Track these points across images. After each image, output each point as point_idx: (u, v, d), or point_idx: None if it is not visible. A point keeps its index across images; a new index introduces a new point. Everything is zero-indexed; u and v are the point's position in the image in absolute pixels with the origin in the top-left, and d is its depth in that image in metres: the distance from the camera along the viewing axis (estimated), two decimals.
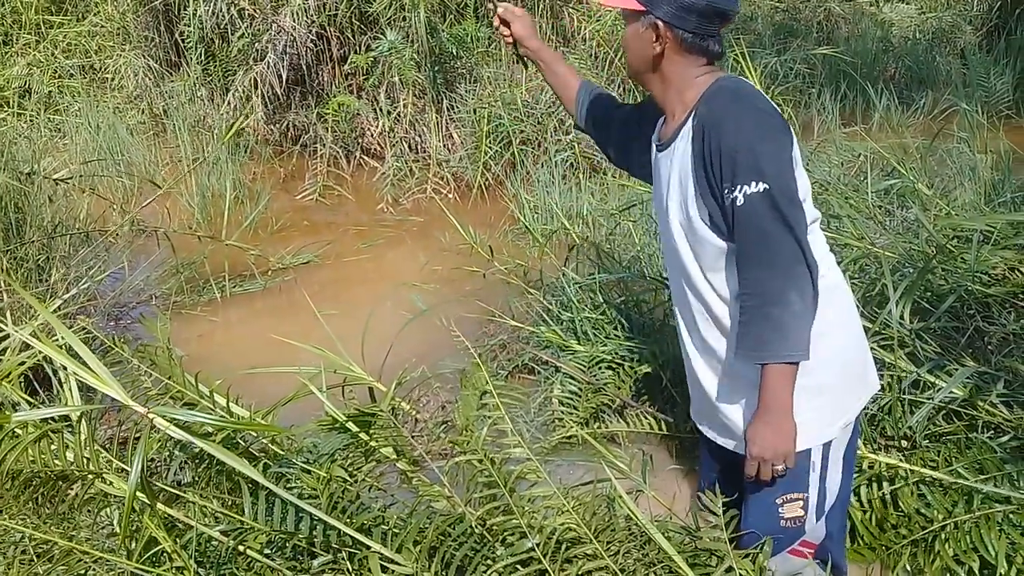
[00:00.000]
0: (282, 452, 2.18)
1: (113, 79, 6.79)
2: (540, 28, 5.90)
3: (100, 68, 6.95)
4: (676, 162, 1.81)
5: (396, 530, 1.84)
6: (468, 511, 1.88)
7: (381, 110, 5.69)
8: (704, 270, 1.82)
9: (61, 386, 2.37)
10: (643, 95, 2.51)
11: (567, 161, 5.17)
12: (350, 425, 2.21)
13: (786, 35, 7.37)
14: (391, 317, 3.50)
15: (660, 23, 1.77)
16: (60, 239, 3.82)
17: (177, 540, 1.80)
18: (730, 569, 1.77)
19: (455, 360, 3.24)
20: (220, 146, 5.36)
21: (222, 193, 5.22)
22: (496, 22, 2.26)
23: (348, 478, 2.01)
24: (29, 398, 2.40)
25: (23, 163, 4.23)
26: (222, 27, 5.84)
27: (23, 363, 2.48)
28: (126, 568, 1.76)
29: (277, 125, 6.12)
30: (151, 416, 1.62)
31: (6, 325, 2.28)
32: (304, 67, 5.91)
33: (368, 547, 1.77)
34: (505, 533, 1.83)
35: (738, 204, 1.66)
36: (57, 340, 2.04)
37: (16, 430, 1.95)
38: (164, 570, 1.78)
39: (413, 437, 2.47)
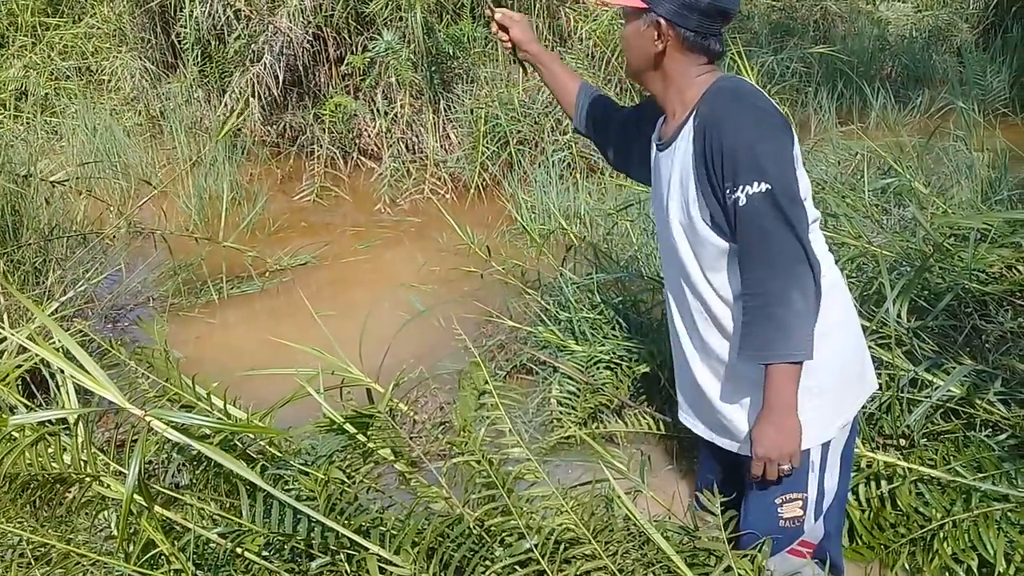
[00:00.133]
0: (280, 454, 2.17)
1: (110, 81, 6.78)
2: (537, 28, 5.90)
3: (96, 70, 6.94)
4: (677, 162, 1.81)
5: (394, 531, 1.84)
6: (466, 512, 1.87)
7: (378, 111, 5.69)
8: (705, 270, 1.82)
9: (58, 389, 2.37)
10: (641, 95, 2.51)
11: (564, 161, 5.17)
12: (348, 426, 2.20)
13: (783, 34, 7.37)
14: (389, 318, 3.50)
15: (662, 21, 1.76)
16: (57, 241, 3.81)
17: (175, 542, 1.80)
18: (729, 569, 1.77)
19: (453, 361, 3.24)
20: (217, 147, 5.36)
21: (219, 194, 5.22)
22: (494, 28, 2.27)
23: (346, 479, 2.01)
24: (26, 401, 2.40)
25: (19, 165, 4.23)
26: (218, 28, 5.84)
27: (20, 366, 2.47)
28: (124, 571, 1.75)
29: (274, 126, 6.12)
30: (148, 419, 1.61)
31: (3, 328, 2.28)
32: (301, 68, 5.91)
33: (366, 548, 1.77)
34: (503, 534, 1.83)
35: (740, 204, 1.66)
36: (54, 343, 2.04)
37: (13, 433, 1.95)
38: (162, 573, 1.78)
39: (411, 438, 2.47)
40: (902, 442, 2.34)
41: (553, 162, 5.06)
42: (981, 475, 2.15)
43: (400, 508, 2.01)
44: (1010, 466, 2.14)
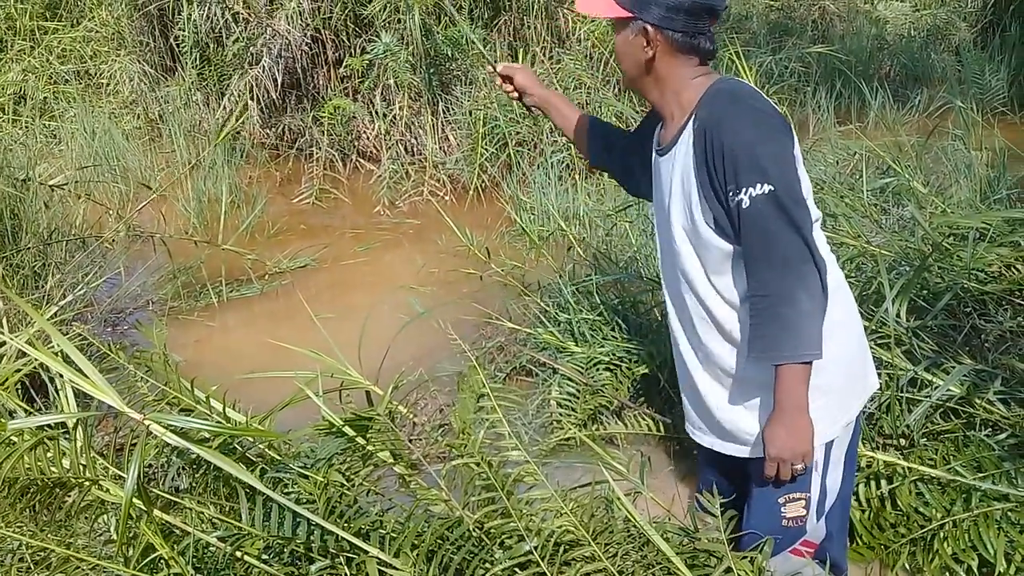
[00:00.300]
0: (279, 457, 2.17)
1: (108, 84, 6.78)
2: (535, 29, 5.91)
3: (95, 73, 6.95)
4: (678, 165, 1.81)
5: (394, 534, 1.84)
6: (466, 514, 1.87)
7: (377, 113, 5.69)
8: (709, 274, 1.81)
9: (57, 393, 2.37)
10: (640, 102, 2.49)
11: (563, 162, 5.17)
12: (347, 429, 2.20)
13: (781, 34, 7.38)
14: (388, 320, 3.50)
15: (649, 27, 1.77)
16: (56, 245, 3.81)
17: (174, 546, 1.79)
18: (729, 570, 1.77)
19: (453, 363, 3.24)
20: (216, 150, 5.36)
21: (218, 197, 5.22)
22: (499, 81, 2.33)
23: (345, 482, 2.01)
24: (26, 405, 2.40)
25: (18, 169, 4.23)
26: (217, 31, 5.85)
27: (19, 370, 2.47)
28: (123, 575, 1.75)
29: (273, 129, 6.13)
30: (147, 423, 1.61)
31: (2, 332, 2.28)
32: (299, 70, 5.92)
33: (366, 551, 1.76)
34: (503, 536, 1.83)
35: (743, 206, 1.66)
36: (53, 347, 2.04)
37: (12, 438, 1.95)
38: None
39: (410, 440, 2.46)
40: (902, 442, 2.33)
41: (552, 163, 5.06)
42: (981, 475, 2.15)
43: (400, 511, 2.01)
44: (1010, 465, 2.14)
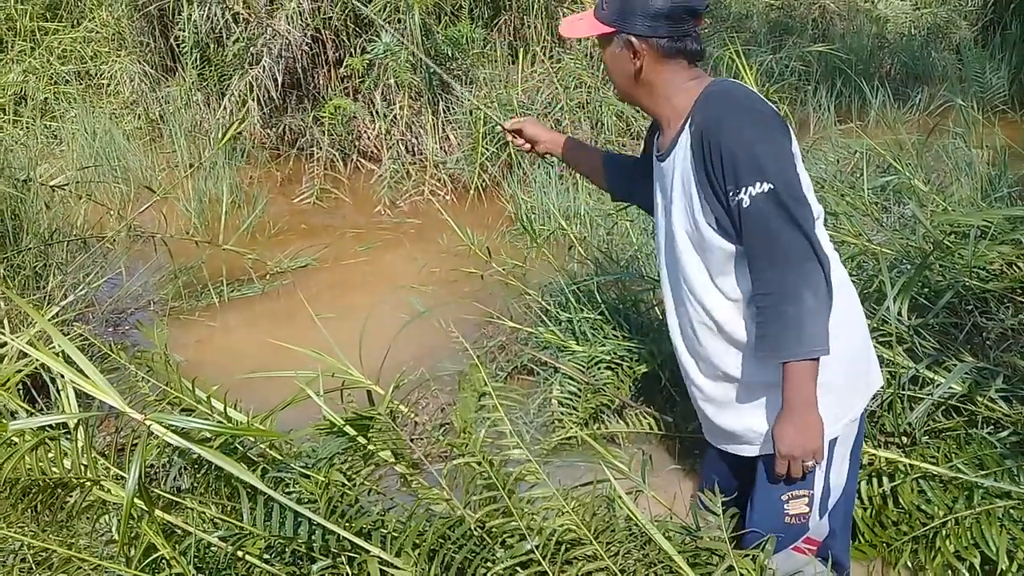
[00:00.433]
0: (280, 457, 2.17)
1: (109, 85, 6.79)
2: (535, 28, 5.91)
3: (96, 74, 6.95)
4: (677, 169, 1.81)
5: (395, 533, 1.84)
6: (467, 514, 1.87)
7: (377, 112, 5.69)
8: (713, 276, 1.81)
9: (59, 393, 2.37)
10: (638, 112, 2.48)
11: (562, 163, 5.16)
12: (348, 429, 2.20)
13: (781, 32, 7.37)
14: (389, 320, 3.49)
15: (633, 39, 1.79)
16: (57, 246, 3.82)
17: (176, 546, 1.79)
18: (731, 568, 1.77)
19: (454, 362, 3.24)
20: (217, 151, 5.36)
21: (219, 198, 5.22)
22: (509, 137, 2.41)
23: (347, 482, 2.01)
24: (27, 406, 2.40)
25: (19, 170, 4.23)
26: (217, 32, 5.85)
27: (21, 371, 2.47)
28: (125, 575, 1.75)
29: (273, 129, 6.12)
30: (148, 423, 1.61)
31: (3, 333, 2.28)
32: (300, 70, 5.92)
33: (367, 551, 1.76)
34: (505, 535, 1.83)
35: (744, 206, 1.66)
36: (54, 347, 2.04)
37: (14, 438, 1.95)
38: None
39: (412, 440, 2.46)
40: (904, 439, 2.33)
41: (552, 163, 5.06)
42: (983, 472, 2.15)
43: (401, 510, 2.01)
44: (1012, 463, 2.14)
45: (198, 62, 6.10)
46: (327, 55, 6.02)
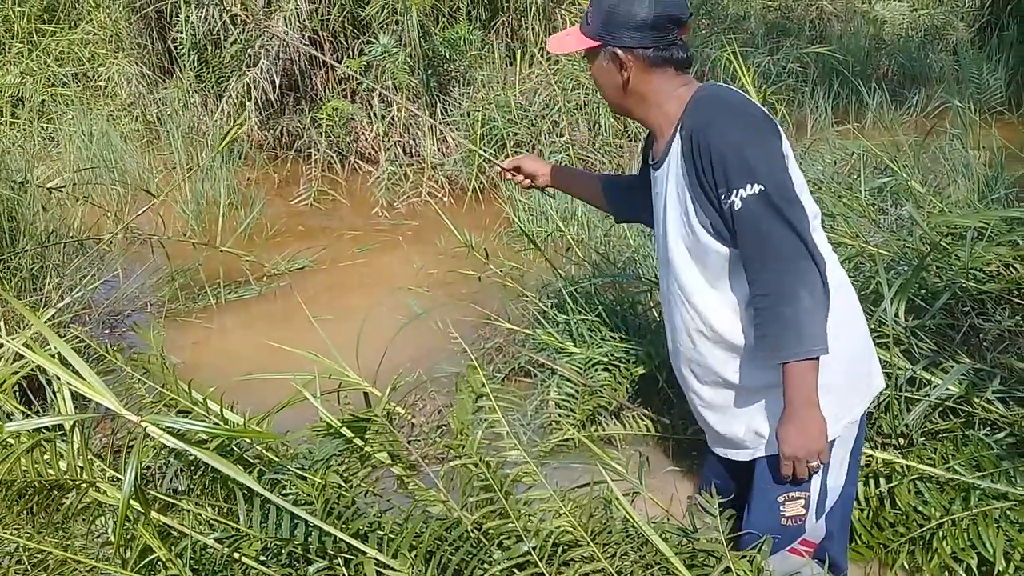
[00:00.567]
0: (277, 458, 2.17)
1: (106, 87, 6.78)
2: (532, 30, 5.91)
3: (93, 76, 6.95)
4: (671, 176, 1.82)
5: (392, 535, 1.84)
6: (464, 515, 1.87)
7: (375, 114, 5.69)
8: (710, 282, 1.82)
9: (55, 395, 2.36)
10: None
11: (561, 163, 5.17)
12: (345, 430, 2.20)
13: (779, 34, 7.38)
14: (386, 321, 3.49)
15: (619, 51, 1.80)
16: (54, 248, 3.81)
17: (172, 548, 1.79)
18: (727, 569, 1.77)
19: (451, 364, 3.24)
20: (214, 153, 5.35)
21: (216, 199, 5.22)
22: (508, 175, 2.44)
23: (343, 483, 2.01)
24: (23, 408, 2.39)
25: (16, 172, 4.23)
26: (215, 33, 5.85)
27: (16, 373, 2.47)
28: None
29: (271, 130, 6.12)
30: (144, 424, 1.61)
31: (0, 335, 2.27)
32: (297, 72, 5.92)
33: (364, 552, 1.76)
34: (501, 537, 1.83)
35: (736, 209, 1.66)
36: (50, 349, 2.04)
37: (10, 440, 1.94)
38: None
39: (409, 441, 2.46)
40: (901, 441, 2.33)
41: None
42: (980, 473, 2.15)
43: (398, 512, 2.00)
44: (1009, 464, 2.14)
45: (196, 64, 6.10)
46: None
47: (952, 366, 2.38)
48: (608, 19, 1.79)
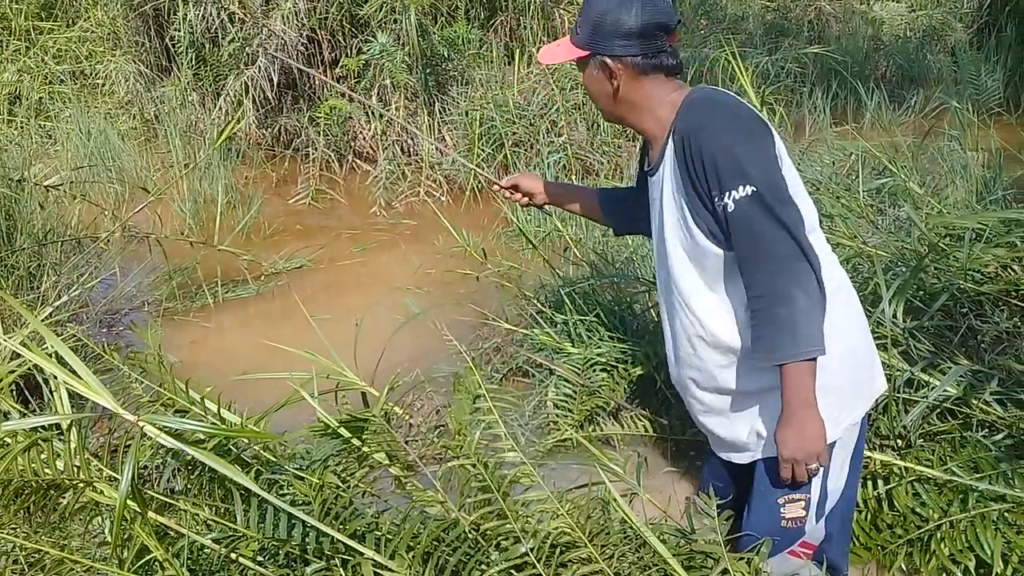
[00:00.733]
0: (274, 458, 2.16)
1: (104, 85, 6.77)
2: (531, 29, 5.91)
3: (91, 74, 6.94)
4: (667, 181, 1.82)
5: (389, 536, 1.83)
6: (462, 516, 1.87)
7: (373, 113, 5.68)
8: (708, 286, 1.82)
9: (52, 394, 2.36)
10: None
11: (560, 163, 5.17)
12: (342, 431, 2.20)
13: (777, 34, 7.38)
14: (384, 321, 3.49)
15: (608, 60, 1.81)
16: (51, 246, 3.80)
17: (169, 548, 1.79)
18: (725, 571, 1.77)
19: (449, 364, 3.23)
20: (212, 151, 5.34)
21: (214, 198, 5.21)
22: (506, 194, 2.46)
23: (341, 484, 2.00)
24: (20, 407, 2.39)
25: (13, 170, 4.21)
26: (213, 31, 5.84)
27: (13, 372, 2.46)
28: None
29: (269, 129, 6.12)
30: (141, 424, 1.60)
31: None
32: (295, 71, 5.91)
33: (361, 553, 1.76)
34: (499, 538, 1.82)
35: (729, 210, 1.66)
36: (47, 348, 2.03)
37: (6, 439, 1.94)
38: None
39: (406, 442, 2.46)
40: (899, 442, 2.33)
41: (548, 164, 5.06)
42: (978, 475, 2.15)
43: (395, 512, 2.00)
44: (1007, 466, 2.14)
45: (193, 62, 6.09)
46: (323, 55, 6.01)
47: (950, 367, 2.38)
48: (596, 28, 1.80)
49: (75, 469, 1.88)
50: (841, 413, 1.82)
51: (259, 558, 1.82)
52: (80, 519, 1.97)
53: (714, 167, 1.66)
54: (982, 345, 2.58)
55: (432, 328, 3.42)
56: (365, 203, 5.48)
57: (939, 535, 2.11)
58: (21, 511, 1.91)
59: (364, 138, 5.90)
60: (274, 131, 6.11)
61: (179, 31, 5.96)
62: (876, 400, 1.97)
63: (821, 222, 3.08)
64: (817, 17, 7.95)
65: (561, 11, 5.98)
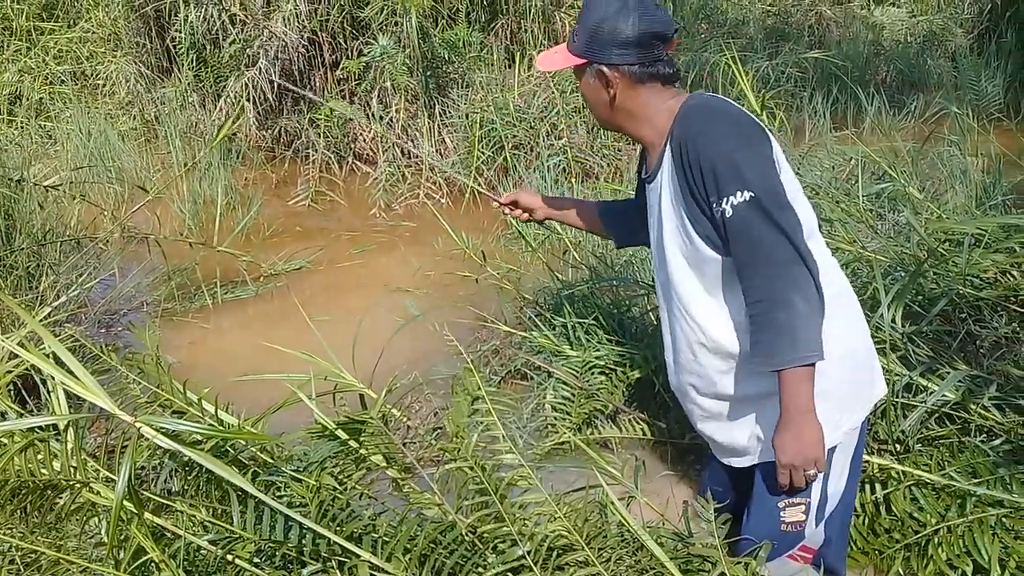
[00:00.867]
0: (272, 460, 2.16)
1: (104, 85, 6.77)
2: (531, 32, 5.92)
3: (91, 74, 6.94)
4: (665, 189, 1.83)
5: (386, 538, 1.83)
6: (459, 518, 1.86)
7: (373, 115, 5.69)
8: (707, 292, 1.82)
9: (49, 395, 2.35)
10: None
11: (560, 166, 5.17)
12: (340, 433, 2.19)
13: (777, 39, 7.39)
14: (383, 323, 3.49)
15: (604, 68, 1.81)
16: (50, 246, 3.80)
17: (165, 549, 1.78)
18: (723, 575, 1.76)
19: (447, 366, 3.23)
20: (211, 152, 5.34)
21: (214, 199, 5.21)
22: (505, 210, 2.48)
23: (338, 486, 2.00)
24: (17, 407, 2.38)
25: (13, 170, 4.21)
26: (213, 33, 5.84)
27: (10, 372, 2.46)
28: None
29: (269, 131, 6.12)
30: (139, 425, 1.60)
31: None
32: (296, 72, 5.91)
33: (358, 555, 1.76)
34: (496, 540, 1.82)
35: (727, 216, 1.66)
36: (44, 348, 2.03)
37: (3, 439, 1.94)
38: None
39: (404, 444, 2.46)
40: (897, 447, 2.33)
41: (548, 167, 5.06)
42: (976, 480, 2.15)
43: (392, 515, 2.00)
44: (1005, 471, 2.14)
45: (194, 63, 6.09)
46: (323, 57, 6.01)
47: (948, 372, 2.38)
48: (593, 37, 1.80)
49: (72, 470, 1.88)
50: (841, 417, 1.82)
51: (256, 560, 1.81)
52: (76, 520, 1.97)
53: (712, 173, 1.66)
54: (981, 350, 2.58)
55: (431, 330, 3.42)
56: (365, 205, 5.48)
57: (937, 540, 2.10)
58: (17, 511, 1.91)
59: (364, 140, 5.90)
60: (274, 133, 6.12)
61: (180, 32, 5.96)
62: (876, 404, 1.96)
63: (821, 227, 3.08)
64: (818, 22, 7.96)
65: (562, 14, 5.98)
